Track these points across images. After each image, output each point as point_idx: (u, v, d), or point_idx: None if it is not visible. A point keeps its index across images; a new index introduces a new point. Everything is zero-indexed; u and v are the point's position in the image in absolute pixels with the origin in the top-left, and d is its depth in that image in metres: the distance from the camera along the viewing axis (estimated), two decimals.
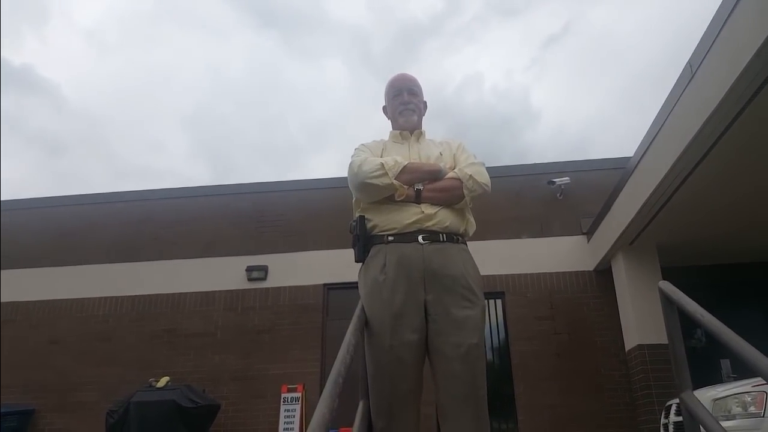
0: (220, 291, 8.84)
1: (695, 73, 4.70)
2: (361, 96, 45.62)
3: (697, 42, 4.64)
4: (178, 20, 38.19)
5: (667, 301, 2.38)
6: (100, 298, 9.00)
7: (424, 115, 2.66)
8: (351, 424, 2.01)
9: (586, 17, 37.10)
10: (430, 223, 2.21)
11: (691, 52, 4.75)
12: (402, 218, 2.22)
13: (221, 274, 8.92)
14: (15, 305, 9.09)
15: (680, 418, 4.77)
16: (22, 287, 9.17)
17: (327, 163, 43.94)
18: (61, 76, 39.97)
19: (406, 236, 2.20)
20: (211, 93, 41.16)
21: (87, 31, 35.93)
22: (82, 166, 36.21)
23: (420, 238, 2.18)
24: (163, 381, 7.60)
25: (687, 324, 2.41)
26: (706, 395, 4.51)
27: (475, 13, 42.74)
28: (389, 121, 2.66)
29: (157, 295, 8.91)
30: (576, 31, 37.43)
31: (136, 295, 8.95)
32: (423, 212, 2.22)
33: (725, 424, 3.93)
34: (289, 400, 7.76)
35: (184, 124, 39.48)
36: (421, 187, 2.26)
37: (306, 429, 7.91)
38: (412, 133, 2.56)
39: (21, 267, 9.34)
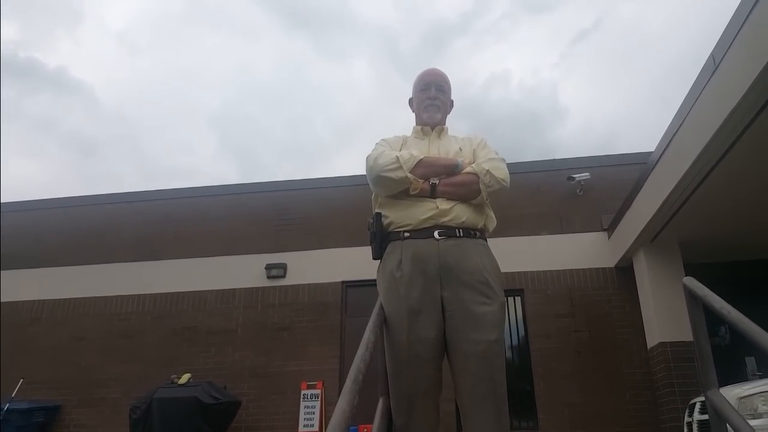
0: (239, 288, 8.91)
1: (718, 65, 4.62)
2: (387, 95, 45.67)
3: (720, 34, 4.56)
4: (207, 22, 38.56)
5: (691, 297, 2.34)
6: (123, 296, 9.12)
7: (449, 113, 2.62)
8: (371, 422, 2.01)
9: (617, 11, 36.70)
10: (445, 219, 2.18)
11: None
12: (417, 214, 2.20)
13: (241, 272, 8.99)
14: (40, 303, 9.26)
15: (705, 417, 4.71)
16: (47, 285, 9.34)
17: (352, 162, 44.12)
18: (94, 78, 40.61)
19: (421, 232, 2.17)
20: (239, 93, 41.58)
21: (118, 33, 36.48)
22: (113, 166, 36.75)
23: (436, 233, 2.16)
24: (185, 378, 7.68)
25: (711, 321, 2.37)
26: (731, 393, 4.44)
27: (504, 10, 42.56)
28: (413, 114, 2.64)
29: (177, 293, 9.01)
30: (606, 26, 37.05)
31: (157, 293, 9.06)
32: (438, 207, 2.19)
33: (751, 422, 3.87)
34: (308, 397, 7.81)
35: (213, 125, 39.90)
36: (437, 182, 2.24)
37: (326, 425, 7.98)
38: (433, 129, 2.54)
39: (45, 266, 9.51)
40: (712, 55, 4.71)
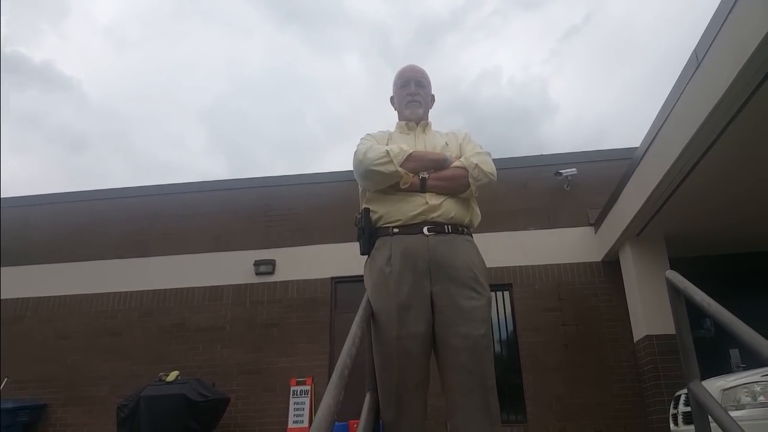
0: (228, 285, 8.87)
1: (701, 61, 4.66)
2: (378, 90, 45.64)
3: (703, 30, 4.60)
4: (197, 16, 38.26)
5: (674, 290, 2.37)
6: (109, 293, 9.04)
7: (431, 108, 2.64)
8: (360, 417, 2.02)
9: (607, 7, 36.86)
10: (434, 215, 2.20)
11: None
12: (407, 209, 2.21)
13: (229, 268, 8.94)
14: (25, 301, 9.16)
15: (689, 408, 4.77)
16: (32, 283, 9.23)
17: (343, 157, 43.99)
18: (82, 73, 40.15)
19: (411, 228, 2.19)
20: (230, 89, 41.27)
21: (106, 28, 36.08)
22: (102, 162, 36.38)
23: (425, 229, 2.17)
24: (173, 375, 7.65)
25: (696, 314, 2.41)
26: (715, 385, 4.49)
27: (495, 6, 42.66)
28: (396, 111, 2.65)
29: (165, 290, 8.96)
30: (596, 22, 37.22)
31: (144, 290, 8.99)
32: (428, 203, 2.21)
33: (734, 414, 3.92)
34: (298, 393, 7.81)
35: (203, 120, 39.59)
36: (426, 176, 2.25)
37: None
38: (418, 123, 2.54)
39: (31, 263, 9.41)
40: (695, 52, 4.75)
